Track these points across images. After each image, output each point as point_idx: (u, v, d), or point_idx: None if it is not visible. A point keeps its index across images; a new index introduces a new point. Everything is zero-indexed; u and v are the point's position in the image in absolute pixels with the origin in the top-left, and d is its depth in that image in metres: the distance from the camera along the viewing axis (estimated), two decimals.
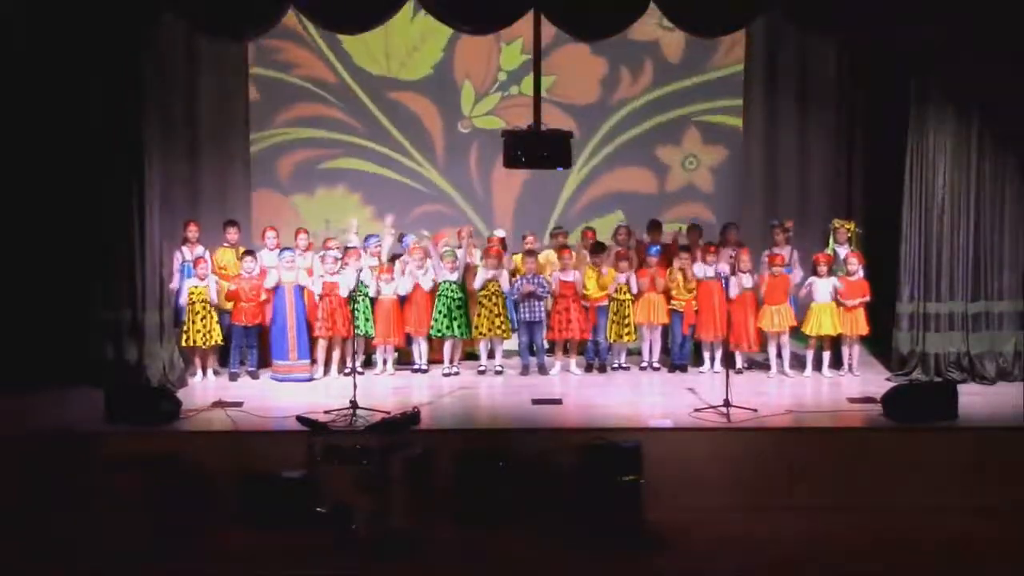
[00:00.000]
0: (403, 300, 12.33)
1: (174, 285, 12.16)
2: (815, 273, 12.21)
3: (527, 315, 12.21)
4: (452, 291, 12.18)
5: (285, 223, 13.30)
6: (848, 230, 12.56)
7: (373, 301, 12.22)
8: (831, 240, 12.65)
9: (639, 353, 12.65)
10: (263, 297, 12.16)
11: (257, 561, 8.92)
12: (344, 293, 12.00)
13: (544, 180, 13.98)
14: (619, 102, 14.15)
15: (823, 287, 12.11)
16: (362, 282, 11.91)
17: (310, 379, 12.10)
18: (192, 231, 12.40)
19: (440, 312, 12.17)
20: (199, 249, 12.38)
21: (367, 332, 12.13)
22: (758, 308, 12.24)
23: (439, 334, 12.25)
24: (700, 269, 12.30)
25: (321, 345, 12.22)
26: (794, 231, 12.80)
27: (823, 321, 12.08)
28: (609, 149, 14.21)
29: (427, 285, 12.25)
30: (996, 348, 12.05)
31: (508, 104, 14.10)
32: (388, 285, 12.20)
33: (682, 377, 12.28)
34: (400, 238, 12.88)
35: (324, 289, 12.06)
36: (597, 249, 12.50)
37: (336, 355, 12.28)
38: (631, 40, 13.57)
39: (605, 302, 12.30)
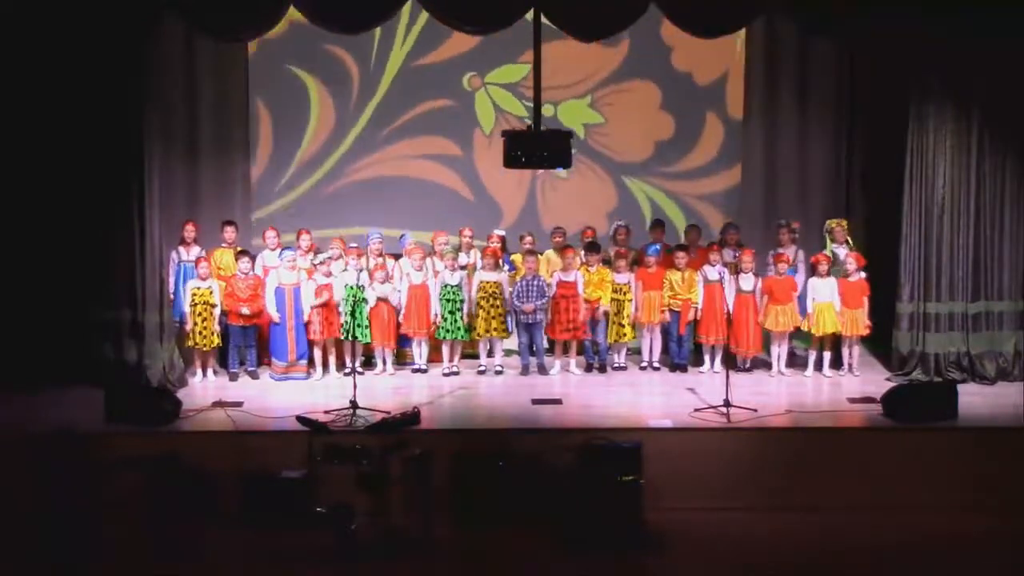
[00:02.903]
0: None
1: (172, 289, 12.09)
2: (815, 273, 12.19)
3: (526, 316, 12.20)
4: (454, 293, 12.17)
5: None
6: (844, 229, 12.55)
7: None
8: (828, 241, 12.65)
9: (639, 353, 12.66)
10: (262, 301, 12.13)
11: (257, 561, 8.93)
12: (338, 296, 11.97)
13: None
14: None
15: (822, 287, 12.10)
16: (361, 286, 11.90)
17: (307, 378, 12.10)
18: (189, 231, 12.36)
19: (446, 311, 12.16)
20: (196, 249, 12.36)
21: (361, 337, 12.09)
22: (758, 309, 12.22)
23: (443, 336, 12.24)
24: (707, 271, 12.27)
25: (318, 347, 12.21)
26: (798, 232, 12.79)
27: (825, 320, 12.05)
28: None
29: (433, 283, 12.20)
30: (996, 348, 12.05)
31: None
32: (382, 285, 12.17)
33: (682, 377, 12.27)
34: (400, 238, 12.89)
35: (320, 291, 12.04)
36: (590, 248, 12.49)
37: (333, 356, 12.26)
38: None
39: (606, 304, 12.27)
